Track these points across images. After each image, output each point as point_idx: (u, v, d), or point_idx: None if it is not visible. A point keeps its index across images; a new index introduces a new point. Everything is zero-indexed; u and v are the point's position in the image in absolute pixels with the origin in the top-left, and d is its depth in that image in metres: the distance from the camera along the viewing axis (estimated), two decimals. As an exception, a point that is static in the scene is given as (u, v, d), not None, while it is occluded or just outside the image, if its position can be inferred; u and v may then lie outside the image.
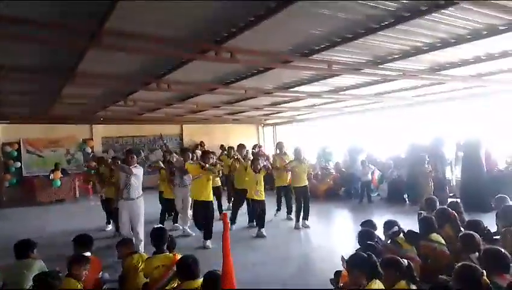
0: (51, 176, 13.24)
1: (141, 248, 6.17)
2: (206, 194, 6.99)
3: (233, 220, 8.20)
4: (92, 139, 15.39)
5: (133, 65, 6.43)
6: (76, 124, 14.63)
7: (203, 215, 7.02)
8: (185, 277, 3.36)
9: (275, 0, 3.94)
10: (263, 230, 7.64)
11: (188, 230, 7.90)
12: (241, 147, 9.17)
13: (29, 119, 13.14)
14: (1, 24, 4.04)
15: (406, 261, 3.22)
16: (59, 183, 13.29)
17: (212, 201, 7.18)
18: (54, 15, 4.08)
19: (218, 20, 4.43)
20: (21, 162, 14.17)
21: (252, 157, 8.55)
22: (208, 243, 6.87)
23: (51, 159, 14.28)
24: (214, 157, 7.82)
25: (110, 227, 8.56)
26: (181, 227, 8.18)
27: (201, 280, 3.25)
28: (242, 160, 8.47)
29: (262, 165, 7.88)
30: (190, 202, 7.89)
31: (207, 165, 6.98)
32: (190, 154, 8.12)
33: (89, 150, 15.16)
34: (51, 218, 10.80)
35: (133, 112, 12.38)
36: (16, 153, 14.06)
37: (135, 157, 6.61)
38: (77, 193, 13.84)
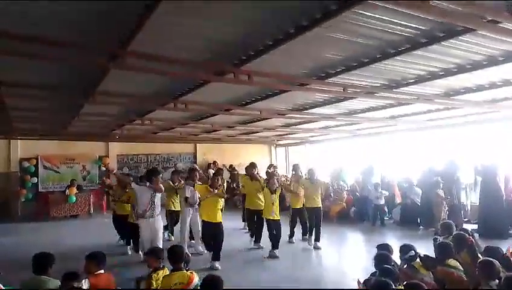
0: (67, 192, 13.42)
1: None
2: (213, 215, 7.12)
3: (258, 238, 8.25)
4: (107, 156, 15.64)
5: (152, 85, 6.60)
6: (93, 141, 14.90)
7: (211, 235, 7.15)
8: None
9: (294, 26, 4.06)
10: (276, 251, 7.60)
11: (200, 248, 7.87)
12: (251, 166, 8.69)
13: (47, 135, 13.45)
14: (28, 43, 4.18)
15: None
16: (74, 199, 13.45)
17: (221, 222, 7.21)
18: (82, 37, 4.25)
19: (237, 44, 4.55)
20: (38, 178, 14.44)
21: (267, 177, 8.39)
22: (217, 264, 6.83)
23: (67, 175, 14.59)
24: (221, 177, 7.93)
25: (129, 250, 8.09)
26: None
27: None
28: (257, 179, 8.36)
29: (277, 185, 7.90)
30: (198, 222, 7.88)
31: (215, 191, 7.21)
32: (197, 174, 8.20)
33: (103, 168, 15.42)
34: (64, 233, 10.91)
35: (149, 130, 12.58)
36: (33, 169, 14.34)
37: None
38: (91, 208, 13.94)
